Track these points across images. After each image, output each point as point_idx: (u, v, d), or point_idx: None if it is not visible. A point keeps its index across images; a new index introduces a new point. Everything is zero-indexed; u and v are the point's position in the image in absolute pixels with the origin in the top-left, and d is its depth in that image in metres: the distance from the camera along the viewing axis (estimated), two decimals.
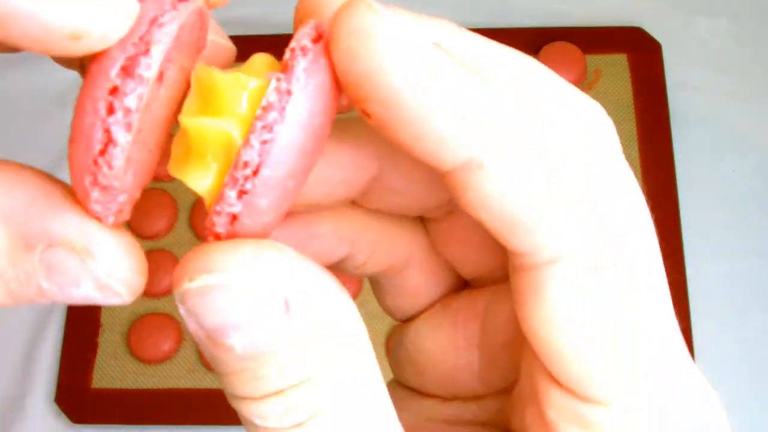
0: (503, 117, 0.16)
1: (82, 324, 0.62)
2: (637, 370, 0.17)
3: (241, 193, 0.15)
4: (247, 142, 0.14)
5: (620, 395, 0.17)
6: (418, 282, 0.22)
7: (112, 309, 0.62)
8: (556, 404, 0.17)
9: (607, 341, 0.16)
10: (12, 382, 0.62)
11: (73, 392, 0.60)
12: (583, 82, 0.66)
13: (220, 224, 0.15)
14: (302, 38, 0.15)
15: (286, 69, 0.15)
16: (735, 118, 0.67)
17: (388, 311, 0.23)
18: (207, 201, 0.15)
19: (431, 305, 0.22)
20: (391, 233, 0.21)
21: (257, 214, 0.15)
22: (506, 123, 0.16)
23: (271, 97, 0.15)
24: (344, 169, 0.19)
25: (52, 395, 0.61)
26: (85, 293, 0.16)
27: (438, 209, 0.20)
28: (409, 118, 0.15)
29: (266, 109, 0.15)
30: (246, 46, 0.81)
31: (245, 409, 0.16)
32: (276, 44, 0.78)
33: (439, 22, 0.17)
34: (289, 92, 0.15)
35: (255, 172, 0.14)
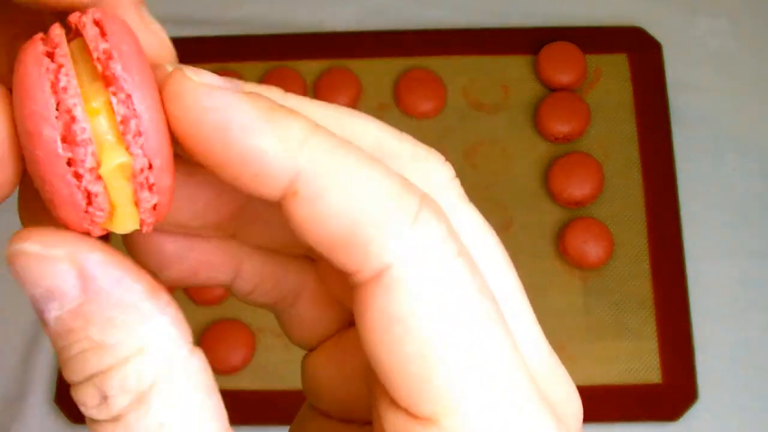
0: (321, 139, 0.17)
1: None
2: (468, 388, 0.16)
3: (150, 186, 0.17)
4: (132, 155, 0.16)
5: (451, 414, 0.16)
6: (312, 315, 0.22)
7: None
8: (392, 425, 0.17)
9: (439, 358, 0.16)
10: (12, 383, 0.62)
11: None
12: (583, 82, 0.66)
13: (148, 218, 0.17)
14: (94, 39, 0.16)
15: (108, 80, 0.16)
16: (735, 118, 0.67)
17: (291, 340, 0.23)
18: (137, 224, 0.17)
19: (329, 337, 0.22)
20: (278, 267, 0.21)
21: (166, 193, 0.17)
22: (306, 140, 0.17)
23: (121, 109, 0.16)
24: (207, 190, 0.19)
25: (52, 395, 0.61)
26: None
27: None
28: (226, 159, 0.17)
29: (125, 121, 0.16)
30: (246, 46, 0.81)
31: (73, 394, 0.16)
32: (276, 44, 0.78)
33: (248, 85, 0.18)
34: (128, 96, 0.16)
35: (150, 168, 0.16)
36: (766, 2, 0.71)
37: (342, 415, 0.22)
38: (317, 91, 0.67)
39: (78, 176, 0.16)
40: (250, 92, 0.17)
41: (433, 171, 0.19)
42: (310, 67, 0.68)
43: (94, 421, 0.16)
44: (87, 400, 0.16)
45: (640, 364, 0.59)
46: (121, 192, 0.16)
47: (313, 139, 0.17)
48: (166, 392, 0.16)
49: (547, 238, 0.63)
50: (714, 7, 0.70)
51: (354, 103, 0.66)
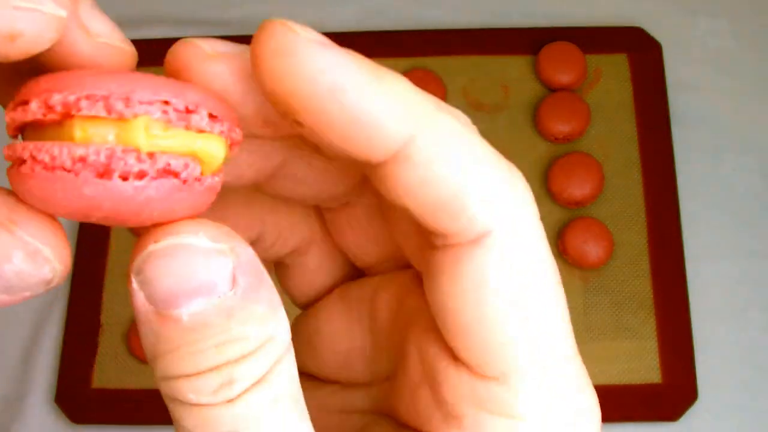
0: (428, 105, 0.17)
1: (82, 324, 0.62)
2: (540, 356, 0.18)
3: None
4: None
5: (518, 374, 0.18)
6: (318, 263, 0.23)
7: (112, 309, 0.62)
8: (454, 385, 0.18)
9: (527, 320, 0.18)
10: (12, 382, 0.62)
11: (73, 392, 0.60)
12: (583, 82, 0.66)
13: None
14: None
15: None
16: (735, 118, 0.67)
17: (290, 296, 0.24)
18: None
19: (329, 291, 0.23)
20: (295, 217, 0.22)
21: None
22: (432, 110, 0.17)
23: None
24: (252, 154, 0.20)
25: (52, 395, 0.61)
26: (18, 266, 0.16)
27: (335, 200, 0.22)
28: (339, 121, 0.16)
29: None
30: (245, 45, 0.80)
31: (178, 387, 0.16)
32: None
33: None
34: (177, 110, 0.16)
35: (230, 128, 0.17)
36: (766, 2, 0.71)
37: (340, 374, 0.23)
38: None
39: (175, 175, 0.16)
40: (348, 50, 0.17)
41: None
42: None
43: (205, 405, 0.16)
44: (204, 388, 0.16)
45: (640, 364, 0.59)
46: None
47: (419, 102, 0.17)
48: (281, 371, 0.17)
49: (547, 238, 0.63)
50: (714, 7, 0.70)
51: None
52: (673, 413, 0.58)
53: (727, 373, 0.60)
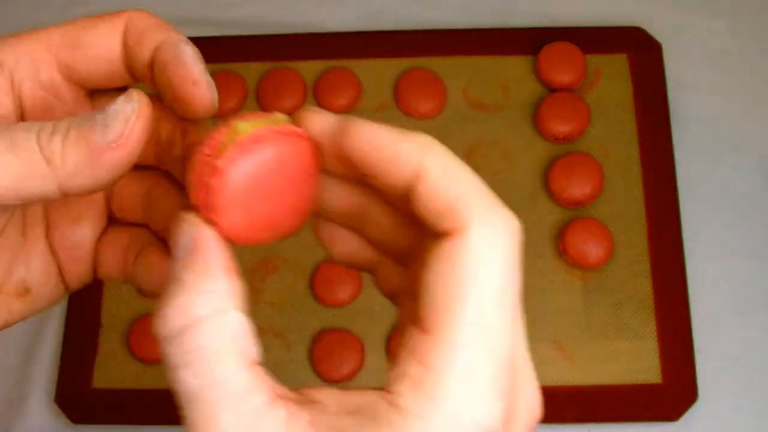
0: (428, 139, 0.25)
1: (82, 324, 0.62)
2: (476, 328, 0.23)
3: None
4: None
5: (453, 330, 0.23)
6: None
7: (112, 309, 0.62)
8: (408, 334, 0.24)
9: (476, 301, 0.24)
10: (12, 382, 0.62)
11: (73, 392, 0.60)
12: (583, 82, 0.66)
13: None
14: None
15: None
16: (735, 118, 0.67)
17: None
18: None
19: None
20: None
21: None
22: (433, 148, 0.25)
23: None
24: (340, 191, 0.29)
25: (52, 395, 0.61)
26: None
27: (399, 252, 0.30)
28: (378, 161, 0.25)
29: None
30: (246, 46, 0.81)
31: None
32: (276, 44, 0.77)
33: None
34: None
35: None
36: (766, 2, 0.71)
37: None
38: (317, 91, 0.67)
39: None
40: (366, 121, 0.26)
41: None
42: (310, 67, 0.68)
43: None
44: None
45: (640, 364, 0.59)
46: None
47: (421, 136, 0.25)
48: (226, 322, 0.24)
49: (547, 238, 0.63)
50: (714, 7, 0.70)
51: (354, 103, 0.66)
52: (673, 413, 0.58)
53: (727, 373, 0.60)
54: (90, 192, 0.26)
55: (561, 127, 0.64)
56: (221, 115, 0.68)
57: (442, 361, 0.23)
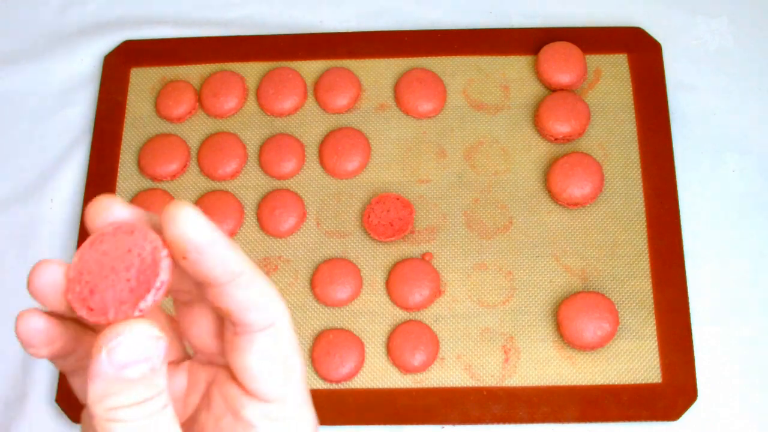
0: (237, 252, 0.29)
1: None
2: (293, 387, 0.31)
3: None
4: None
5: (287, 397, 0.30)
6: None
7: None
8: (250, 408, 0.30)
9: (279, 369, 0.30)
10: (12, 382, 0.62)
11: (74, 392, 0.60)
12: (583, 82, 0.66)
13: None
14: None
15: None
16: (735, 118, 0.67)
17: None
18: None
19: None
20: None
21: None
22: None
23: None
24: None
25: (52, 395, 0.61)
26: None
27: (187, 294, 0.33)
28: (204, 261, 0.28)
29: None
30: (246, 46, 0.81)
31: (114, 413, 0.28)
32: (276, 44, 0.77)
33: None
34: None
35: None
36: (766, 2, 0.71)
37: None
38: (317, 91, 0.67)
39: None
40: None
41: None
42: (310, 67, 0.68)
43: (122, 420, 0.28)
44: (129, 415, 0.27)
45: (640, 364, 0.59)
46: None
47: (236, 251, 0.29)
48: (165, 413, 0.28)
49: (547, 238, 0.63)
50: (714, 7, 0.70)
51: (354, 103, 0.66)
52: (673, 413, 0.58)
53: (727, 373, 0.60)
54: None
55: (561, 127, 0.64)
56: (221, 116, 0.68)
57: (291, 413, 0.31)
